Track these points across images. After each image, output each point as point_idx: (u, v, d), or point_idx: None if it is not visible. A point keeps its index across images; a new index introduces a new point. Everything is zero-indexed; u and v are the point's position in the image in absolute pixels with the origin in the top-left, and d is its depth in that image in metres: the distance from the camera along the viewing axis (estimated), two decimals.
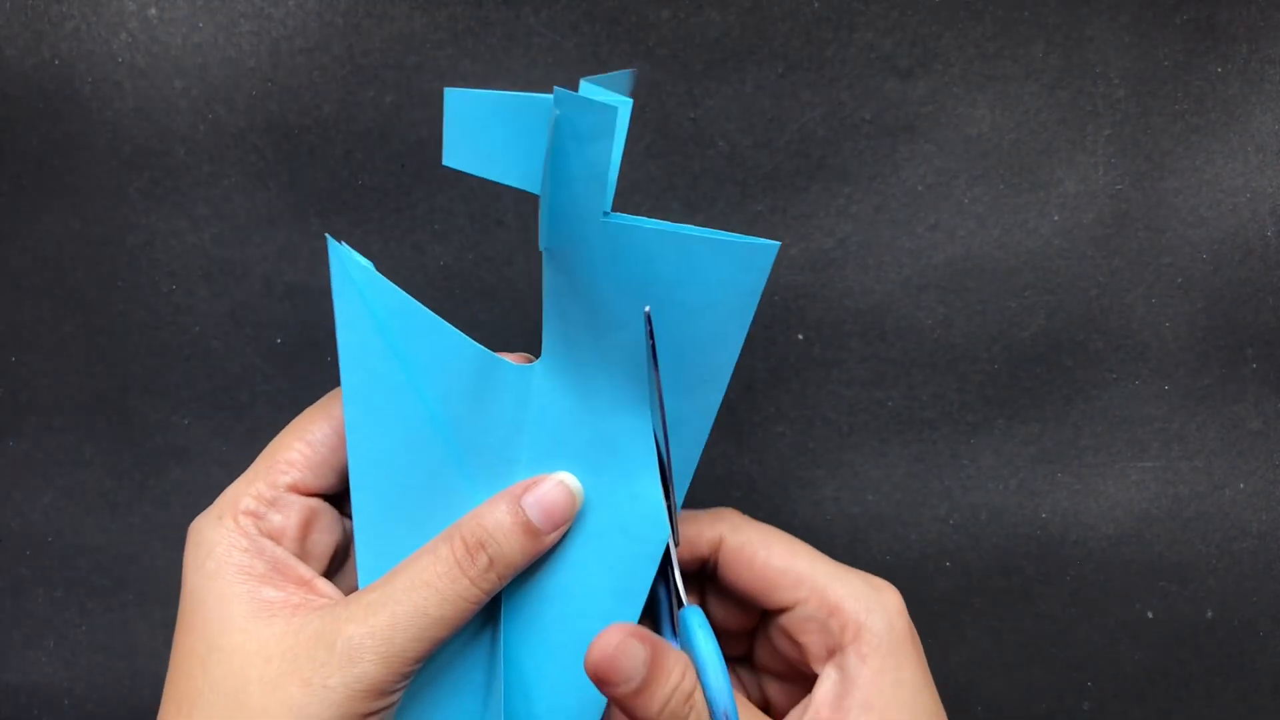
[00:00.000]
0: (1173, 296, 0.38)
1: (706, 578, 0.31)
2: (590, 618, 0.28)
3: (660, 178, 0.38)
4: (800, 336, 0.39)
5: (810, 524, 0.39)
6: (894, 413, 0.39)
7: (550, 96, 0.25)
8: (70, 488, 0.41)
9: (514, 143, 0.27)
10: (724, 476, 0.39)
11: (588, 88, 0.26)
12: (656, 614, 0.30)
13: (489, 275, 0.39)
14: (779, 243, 0.25)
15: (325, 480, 0.29)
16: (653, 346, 0.26)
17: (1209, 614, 0.39)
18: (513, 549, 0.26)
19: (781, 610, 0.29)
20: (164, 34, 0.38)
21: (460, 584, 0.26)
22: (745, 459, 0.39)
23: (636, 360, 0.26)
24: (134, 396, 0.40)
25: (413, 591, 0.25)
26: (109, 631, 0.41)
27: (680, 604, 0.28)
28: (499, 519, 0.26)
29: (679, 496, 0.28)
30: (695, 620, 0.26)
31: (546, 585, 0.28)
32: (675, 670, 0.24)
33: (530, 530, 0.26)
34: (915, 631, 0.29)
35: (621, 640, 0.23)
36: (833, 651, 0.28)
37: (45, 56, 0.38)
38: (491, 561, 0.26)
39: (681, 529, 0.29)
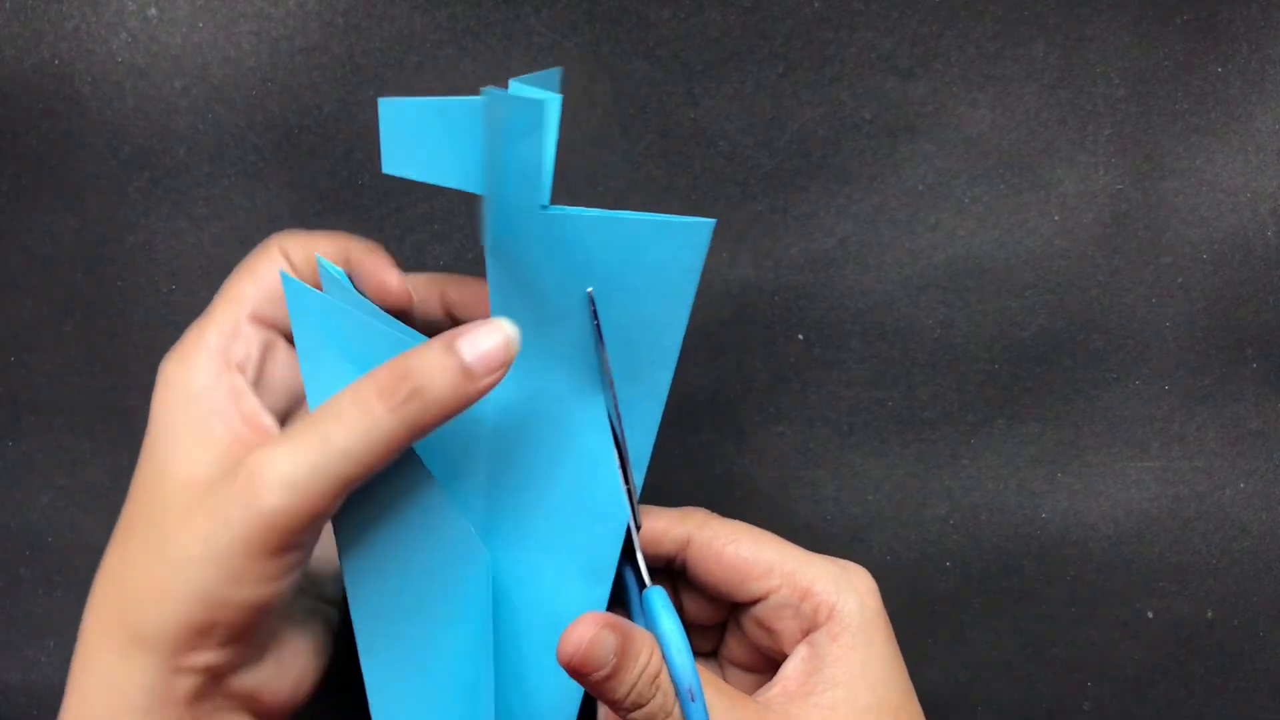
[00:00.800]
0: (1173, 296, 0.38)
1: (676, 575, 0.31)
2: (563, 598, 0.29)
3: (660, 178, 0.38)
4: (800, 336, 0.39)
5: (810, 524, 0.39)
6: (894, 413, 0.39)
7: (480, 98, 0.26)
8: (70, 488, 0.41)
9: (448, 145, 0.27)
10: (724, 476, 0.39)
11: (517, 86, 0.26)
12: (624, 595, 0.30)
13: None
14: (714, 220, 0.26)
15: (279, 310, 0.28)
16: (598, 327, 0.26)
17: (1209, 614, 0.39)
18: (442, 386, 0.25)
19: (754, 602, 0.29)
20: (164, 34, 0.38)
21: (374, 413, 0.24)
22: (745, 459, 0.39)
23: (585, 347, 0.27)
24: (134, 396, 0.40)
25: (321, 423, 0.24)
26: None
27: (644, 586, 0.28)
28: (428, 356, 0.25)
29: (637, 480, 0.29)
30: (659, 601, 0.27)
31: (520, 571, 0.29)
32: (643, 654, 0.25)
33: (464, 371, 0.25)
34: (885, 612, 0.29)
35: (595, 634, 0.24)
36: (807, 633, 0.29)
37: (45, 56, 0.38)
38: (414, 392, 0.24)
39: (648, 524, 0.30)
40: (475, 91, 0.26)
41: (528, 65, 0.38)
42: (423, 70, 0.38)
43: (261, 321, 0.28)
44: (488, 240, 0.27)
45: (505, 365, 0.26)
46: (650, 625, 0.27)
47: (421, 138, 0.28)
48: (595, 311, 0.26)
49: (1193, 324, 0.38)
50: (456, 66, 0.38)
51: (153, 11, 0.38)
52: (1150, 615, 0.39)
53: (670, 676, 0.25)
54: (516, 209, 0.26)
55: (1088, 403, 0.38)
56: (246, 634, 0.26)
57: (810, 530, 0.39)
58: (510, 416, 0.28)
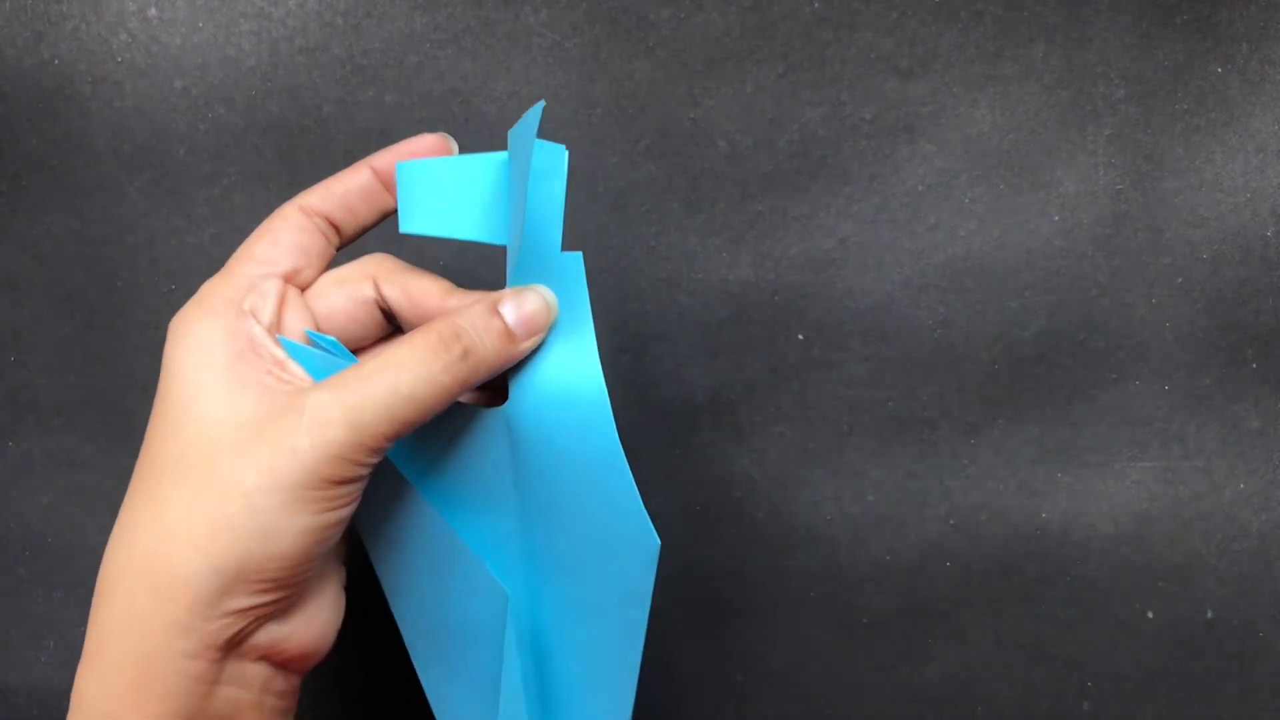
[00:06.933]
0: (1173, 296, 0.38)
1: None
2: (602, 622, 0.29)
3: (660, 178, 0.38)
4: (800, 336, 0.39)
5: (810, 524, 0.39)
6: (894, 413, 0.39)
7: (497, 154, 0.29)
8: (70, 488, 0.41)
9: (465, 201, 0.29)
10: (724, 476, 0.39)
11: (516, 138, 0.28)
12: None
13: (489, 275, 0.39)
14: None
15: (294, 261, 0.29)
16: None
17: (1209, 614, 0.39)
18: (488, 348, 0.27)
19: None
20: (164, 34, 0.38)
21: (433, 367, 0.26)
22: (745, 459, 0.39)
23: (595, 385, 0.28)
24: (134, 396, 0.40)
25: (384, 369, 0.26)
26: None
27: None
28: (475, 318, 0.27)
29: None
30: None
31: (563, 594, 0.29)
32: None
33: (507, 334, 0.27)
34: None
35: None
36: None
37: (45, 56, 0.38)
38: (466, 352, 0.26)
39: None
40: (487, 138, 0.26)
41: (527, 65, 0.38)
42: (423, 70, 0.38)
43: (281, 277, 0.29)
44: (511, 283, 0.28)
45: (544, 330, 0.28)
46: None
47: (439, 196, 0.29)
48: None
49: (1193, 324, 0.38)
50: (456, 66, 0.38)
51: (153, 11, 0.38)
52: (1150, 615, 0.39)
53: None
54: (538, 250, 0.27)
55: (1088, 403, 0.38)
56: (291, 574, 0.26)
57: (810, 530, 0.39)
58: (533, 454, 0.29)
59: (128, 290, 0.39)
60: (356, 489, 0.26)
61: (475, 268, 0.39)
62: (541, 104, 0.27)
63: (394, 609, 0.30)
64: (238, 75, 0.38)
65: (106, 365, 0.40)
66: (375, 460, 0.26)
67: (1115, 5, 0.37)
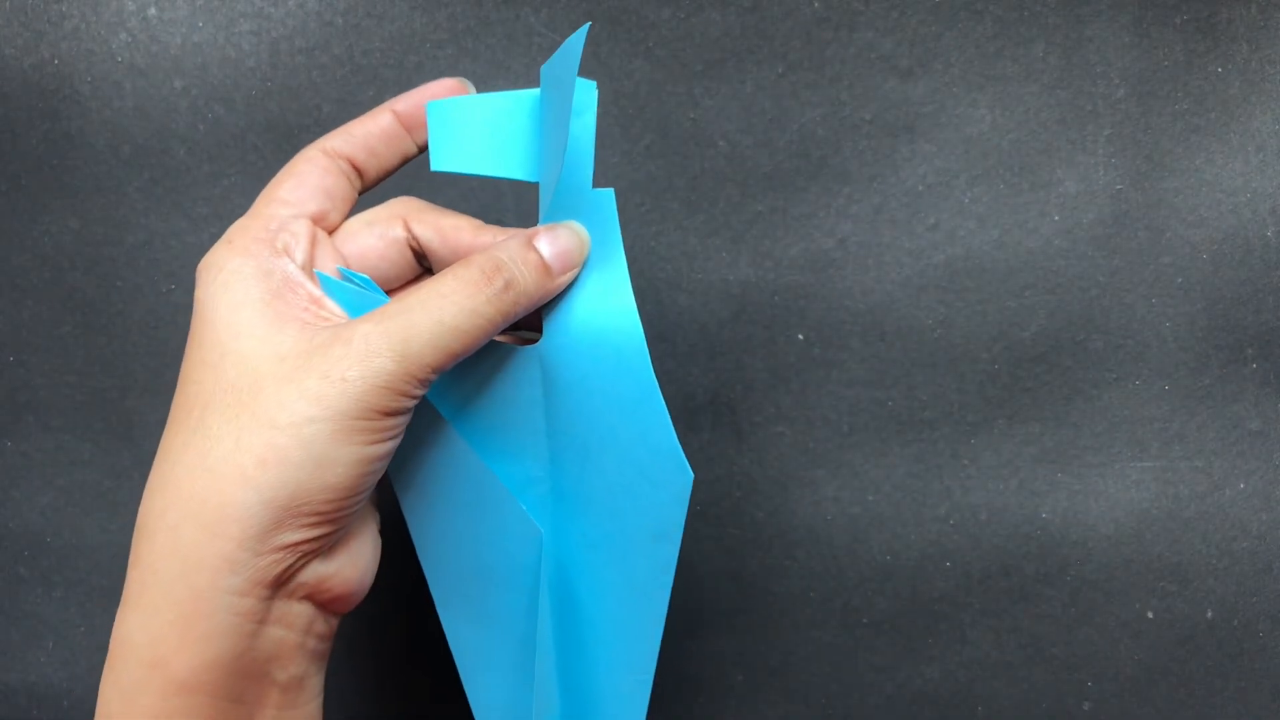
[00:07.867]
0: (1173, 296, 0.38)
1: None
2: (633, 559, 0.29)
3: (660, 178, 0.38)
4: (800, 336, 0.39)
5: (810, 524, 0.39)
6: (894, 413, 0.39)
7: (528, 92, 0.29)
8: (69, 488, 0.41)
9: (496, 139, 0.29)
10: (724, 476, 0.39)
11: (549, 74, 0.28)
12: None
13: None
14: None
15: (320, 204, 0.29)
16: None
17: (1209, 614, 0.39)
18: (528, 280, 0.27)
19: None
20: (164, 34, 0.38)
21: (477, 299, 0.26)
22: (745, 459, 0.39)
23: (629, 319, 0.28)
24: (134, 396, 0.40)
25: (428, 301, 0.26)
26: (109, 631, 0.41)
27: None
28: (513, 251, 0.27)
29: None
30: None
31: (592, 535, 0.30)
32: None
33: (543, 268, 0.27)
34: None
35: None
36: None
37: (45, 56, 0.38)
38: (507, 284, 0.26)
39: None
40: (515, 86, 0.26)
41: (528, 65, 0.38)
42: (423, 70, 0.38)
43: (309, 218, 0.29)
44: (544, 220, 0.29)
45: (578, 265, 0.28)
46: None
47: (471, 134, 0.29)
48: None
49: (1193, 324, 0.38)
50: (456, 66, 0.38)
51: (153, 11, 0.38)
52: (1150, 615, 0.39)
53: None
54: (570, 187, 0.28)
55: (1088, 403, 0.38)
56: (340, 507, 0.25)
57: (810, 530, 0.39)
58: (567, 391, 0.29)
59: (128, 290, 0.39)
60: (402, 422, 0.26)
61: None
62: (585, 28, 0.27)
63: (420, 551, 0.30)
64: (238, 75, 0.38)
65: (106, 365, 0.40)
66: (421, 392, 0.26)
67: (1115, 5, 0.37)
